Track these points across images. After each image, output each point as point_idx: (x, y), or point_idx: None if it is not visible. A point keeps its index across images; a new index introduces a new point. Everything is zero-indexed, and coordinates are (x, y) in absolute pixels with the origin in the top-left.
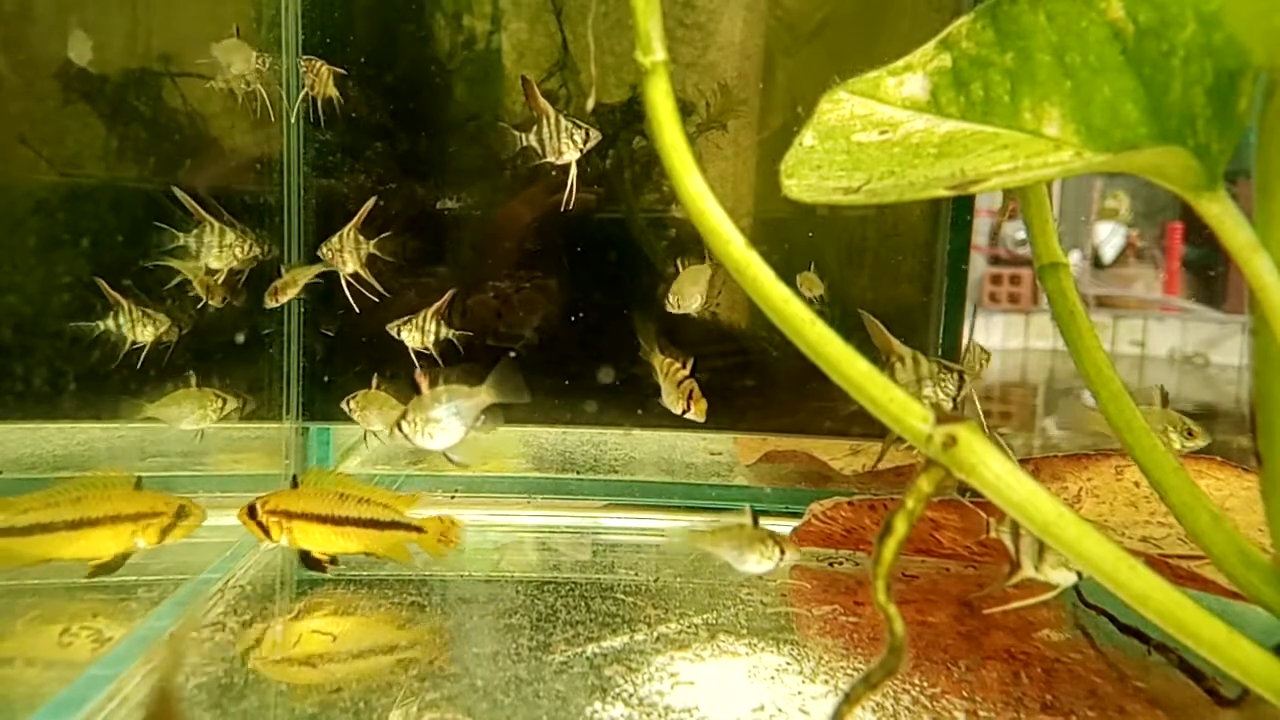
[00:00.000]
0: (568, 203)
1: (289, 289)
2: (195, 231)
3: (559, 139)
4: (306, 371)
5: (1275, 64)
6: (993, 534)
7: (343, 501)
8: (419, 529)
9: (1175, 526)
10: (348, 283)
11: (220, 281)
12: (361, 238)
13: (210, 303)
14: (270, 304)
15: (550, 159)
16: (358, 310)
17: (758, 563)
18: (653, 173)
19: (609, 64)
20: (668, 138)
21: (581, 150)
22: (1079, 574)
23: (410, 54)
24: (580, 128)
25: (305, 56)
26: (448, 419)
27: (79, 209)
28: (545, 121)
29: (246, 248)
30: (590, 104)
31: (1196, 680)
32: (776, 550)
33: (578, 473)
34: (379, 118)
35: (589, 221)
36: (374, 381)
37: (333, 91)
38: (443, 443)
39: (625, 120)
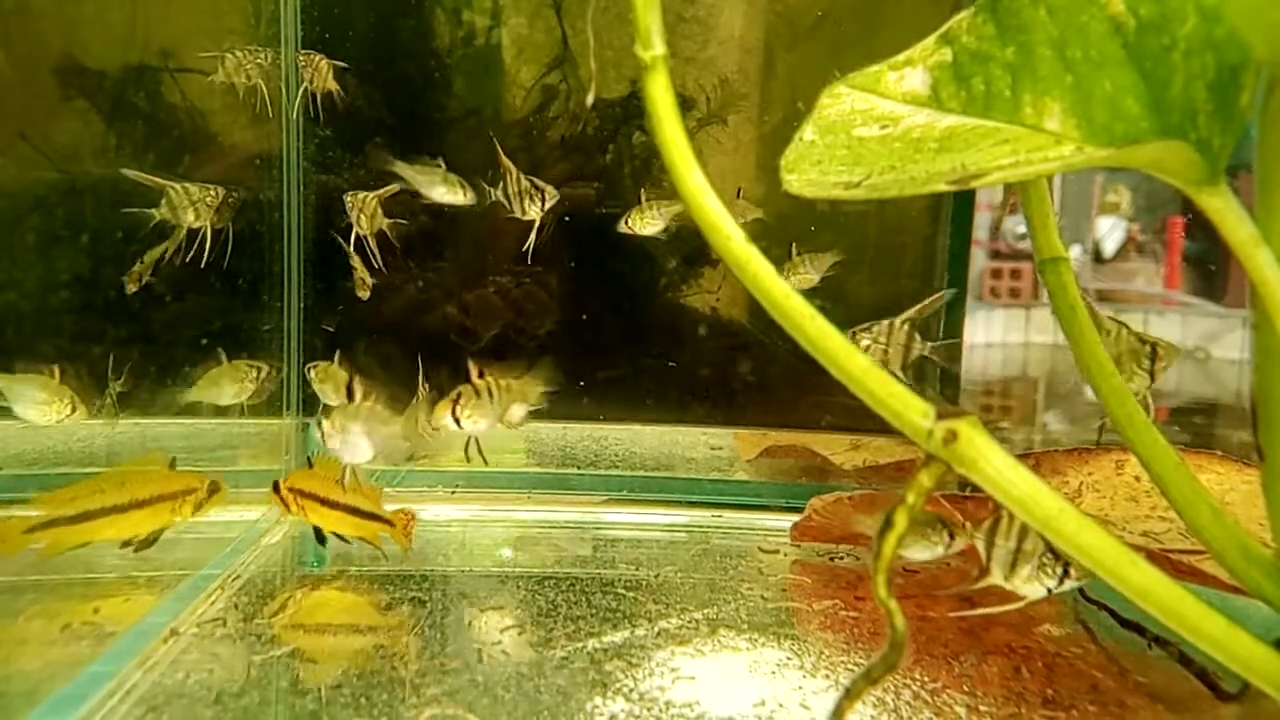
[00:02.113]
0: (538, 244)
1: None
2: (163, 201)
3: (522, 198)
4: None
5: (1277, 58)
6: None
7: (338, 488)
8: (390, 522)
9: (1176, 521)
10: (355, 239)
11: (147, 266)
12: (380, 210)
13: (129, 287)
14: (364, 295)
15: (516, 215)
16: (365, 272)
17: (924, 549)
18: (653, 168)
19: (609, 58)
20: (667, 132)
21: (541, 210)
22: (1049, 590)
23: (410, 49)
24: (538, 190)
25: (304, 51)
26: (355, 438)
27: (78, 205)
28: (509, 179)
29: (217, 196)
30: (590, 99)
31: (1197, 675)
32: (945, 535)
33: (578, 468)
34: (379, 113)
35: (589, 217)
36: (336, 357)
37: (333, 86)
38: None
39: (625, 115)
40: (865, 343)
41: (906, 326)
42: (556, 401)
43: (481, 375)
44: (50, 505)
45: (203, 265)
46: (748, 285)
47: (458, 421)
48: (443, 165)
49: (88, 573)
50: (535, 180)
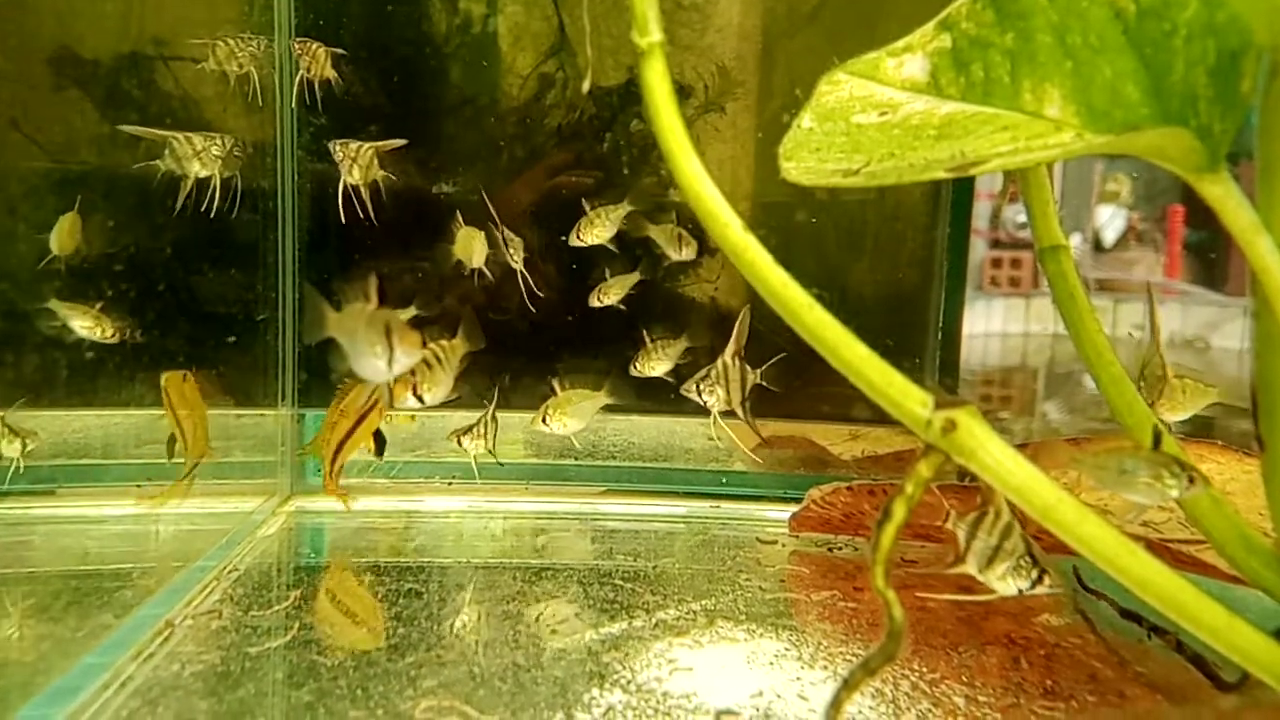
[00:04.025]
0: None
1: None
2: (166, 152)
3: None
4: (302, 357)
5: (1278, 43)
6: (949, 525)
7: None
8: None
9: (1176, 510)
10: (344, 191)
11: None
12: (377, 161)
13: (104, 338)
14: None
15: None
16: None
17: (1150, 491)
18: (650, 156)
19: (606, 46)
20: (664, 120)
21: (514, 260)
22: (1020, 590)
23: (406, 37)
24: (511, 242)
25: (299, 39)
26: None
27: (71, 195)
28: (499, 233)
29: (223, 145)
30: (586, 86)
31: (1195, 664)
32: (1184, 478)
33: (576, 459)
34: (374, 100)
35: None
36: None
37: (331, 73)
38: None
39: (622, 103)
40: (708, 395)
41: (737, 361)
42: (553, 392)
43: (424, 345)
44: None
45: (208, 217)
46: (745, 273)
47: (420, 399)
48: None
49: (83, 565)
50: (506, 233)
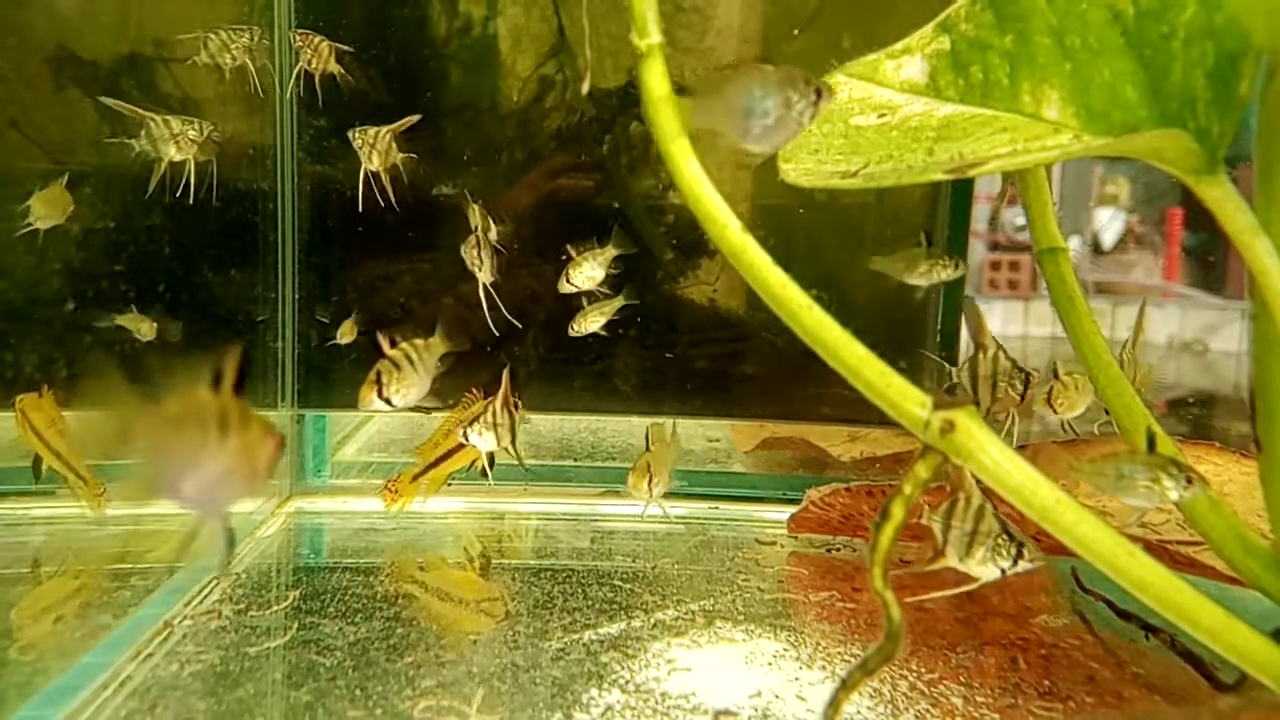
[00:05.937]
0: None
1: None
2: (143, 131)
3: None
4: (302, 358)
5: (1277, 45)
6: (924, 520)
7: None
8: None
9: (1174, 512)
10: (365, 178)
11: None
12: (395, 145)
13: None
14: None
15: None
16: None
17: (1149, 493)
18: (650, 158)
19: (606, 48)
20: (663, 122)
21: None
22: (1003, 571)
23: (405, 39)
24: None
25: (300, 30)
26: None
27: (70, 195)
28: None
29: (200, 130)
30: (585, 88)
31: (1192, 663)
32: (1183, 480)
33: (575, 459)
34: (377, 97)
35: (586, 208)
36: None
37: (335, 68)
38: None
39: (622, 105)
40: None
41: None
42: (553, 394)
43: (394, 345)
44: (423, 455)
45: (207, 219)
46: (744, 275)
47: (388, 401)
48: (925, 244)
49: (81, 564)
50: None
